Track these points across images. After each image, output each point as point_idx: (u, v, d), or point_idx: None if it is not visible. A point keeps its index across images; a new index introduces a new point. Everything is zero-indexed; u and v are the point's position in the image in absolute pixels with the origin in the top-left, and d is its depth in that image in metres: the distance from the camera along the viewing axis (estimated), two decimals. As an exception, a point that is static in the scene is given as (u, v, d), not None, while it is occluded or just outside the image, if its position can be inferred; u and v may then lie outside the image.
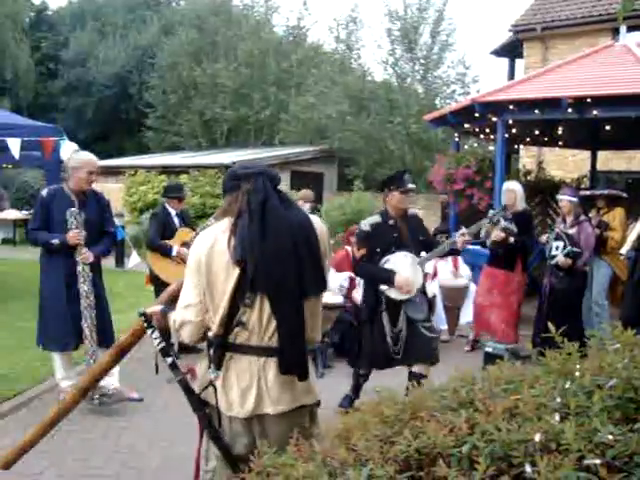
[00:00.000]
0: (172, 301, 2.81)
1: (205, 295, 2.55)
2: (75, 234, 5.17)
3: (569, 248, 6.49)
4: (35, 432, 3.06)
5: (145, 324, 2.79)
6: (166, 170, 18.73)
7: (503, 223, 6.79)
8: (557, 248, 6.60)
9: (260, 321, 2.51)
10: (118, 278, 11.22)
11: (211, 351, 2.58)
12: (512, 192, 7.14)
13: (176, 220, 7.14)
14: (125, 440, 4.82)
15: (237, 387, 2.53)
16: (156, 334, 2.78)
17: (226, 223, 2.59)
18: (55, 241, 5.19)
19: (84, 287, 5.22)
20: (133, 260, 11.26)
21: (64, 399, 3.09)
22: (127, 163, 20.94)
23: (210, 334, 2.57)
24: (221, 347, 2.55)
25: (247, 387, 2.53)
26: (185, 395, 2.68)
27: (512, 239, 6.84)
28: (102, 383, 5.31)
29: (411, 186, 5.04)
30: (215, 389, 2.57)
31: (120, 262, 13.38)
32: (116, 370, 5.54)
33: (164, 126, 26.83)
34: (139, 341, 2.95)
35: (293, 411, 2.53)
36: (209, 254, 2.53)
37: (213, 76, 24.79)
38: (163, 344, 2.77)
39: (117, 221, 14.25)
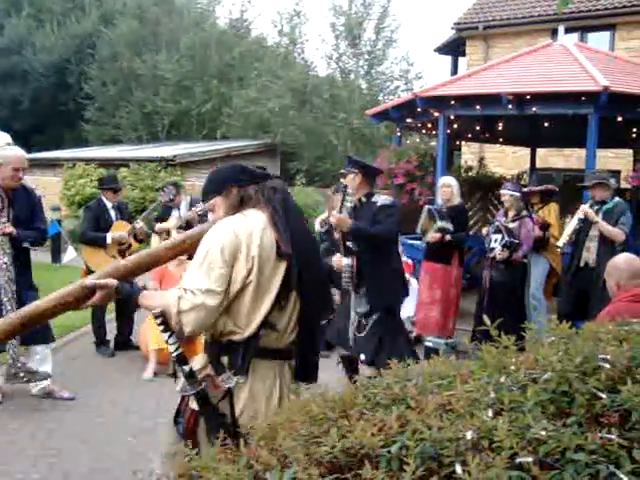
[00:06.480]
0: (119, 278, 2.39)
1: (242, 292, 2.30)
2: None
3: (506, 239, 6.56)
4: None
5: (161, 326, 2.28)
6: (105, 163, 18.28)
7: (439, 223, 6.88)
8: (496, 241, 6.68)
9: (288, 323, 2.41)
10: (54, 273, 10.89)
11: (224, 358, 2.35)
12: (449, 187, 7.26)
13: (112, 213, 6.95)
14: (54, 442, 4.61)
15: (263, 394, 2.37)
16: (173, 339, 2.31)
17: (260, 217, 2.38)
18: None
19: (3, 259, 4.90)
20: (69, 255, 10.95)
21: None
22: (65, 156, 20.33)
23: (236, 337, 2.34)
24: (250, 351, 2.34)
25: (271, 393, 2.39)
26: (201, 409, 2.33)
27: (448, 237, 6.93)
28: (30, 364, 5.10)
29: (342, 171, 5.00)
30: (232, 398, 2.33)
31: (56, 257, 12.99)
32: (49, 363, 5.33)
33: (103, 118, 26.16)
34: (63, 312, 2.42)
35: None
36: (260, 247, 2.31)
37: (154, 68, 24.30)
38: (181, 350, 2.33)
39: (54, 215, 13.86)
